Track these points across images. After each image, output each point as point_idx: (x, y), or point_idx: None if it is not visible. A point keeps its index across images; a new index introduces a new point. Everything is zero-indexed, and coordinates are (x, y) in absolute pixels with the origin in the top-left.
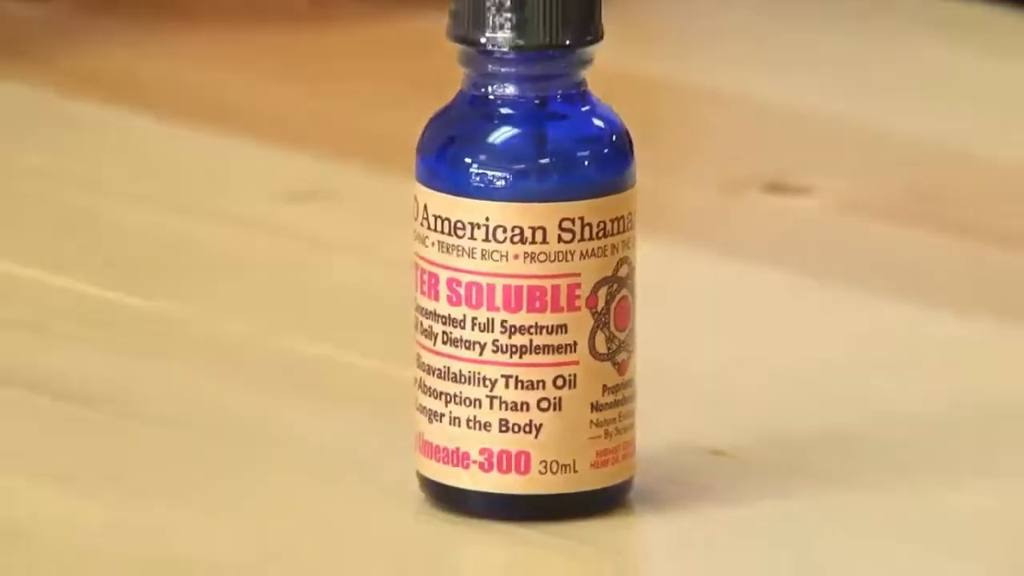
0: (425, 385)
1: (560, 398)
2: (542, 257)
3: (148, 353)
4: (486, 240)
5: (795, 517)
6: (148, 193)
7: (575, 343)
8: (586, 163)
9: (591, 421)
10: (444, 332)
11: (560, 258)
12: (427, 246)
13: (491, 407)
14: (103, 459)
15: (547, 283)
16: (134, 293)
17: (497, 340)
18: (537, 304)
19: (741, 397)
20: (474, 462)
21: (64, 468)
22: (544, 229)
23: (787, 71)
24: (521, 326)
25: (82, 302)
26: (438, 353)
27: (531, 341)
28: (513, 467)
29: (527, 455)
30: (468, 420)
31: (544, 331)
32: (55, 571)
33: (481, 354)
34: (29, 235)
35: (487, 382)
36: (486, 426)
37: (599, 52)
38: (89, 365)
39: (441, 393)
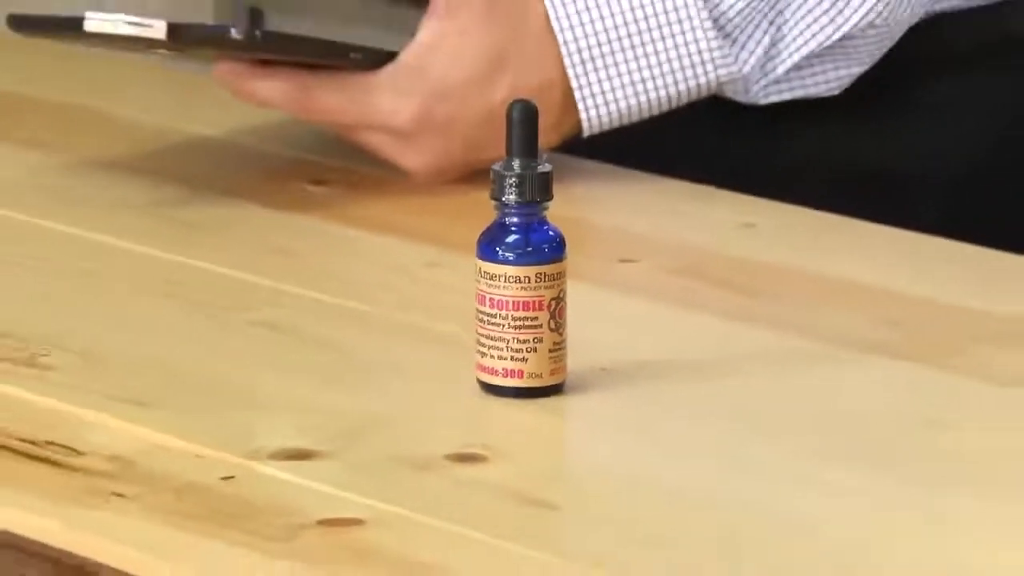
0: (479, 342)
1: (535, 347)
2: (528, 289)
3: (351, 328)
4: (504, 281)
5: (652, 402)
6: (362, 260)
7: (542, 324)
8: (546, 249)
9: (548, 356)
10: (487, 319)
11: (536, 289)
12: (480, 283)
13: (506, 351)
14: (330, 369)
15: (530, 299)
16: (351, 300)
17: (509, 323)
18: (526, 308)
19: (615, 346)
20: (499, 373)
21: (312, 374)
22: (529, 277)
23: (633, 218)
24: (519, 316)
25: (318, 305)
26: (483, 326)
27: (523, 323)
28: (516, 376)
29: (521, 371)
30: (496, 356)
31: (528, 319)
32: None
33: (502, 329)
34: (304, 279)
35: (504, 340)
36: (504, 359)
37: (553, 205)
38: (322, 329)
39: (486, 345)
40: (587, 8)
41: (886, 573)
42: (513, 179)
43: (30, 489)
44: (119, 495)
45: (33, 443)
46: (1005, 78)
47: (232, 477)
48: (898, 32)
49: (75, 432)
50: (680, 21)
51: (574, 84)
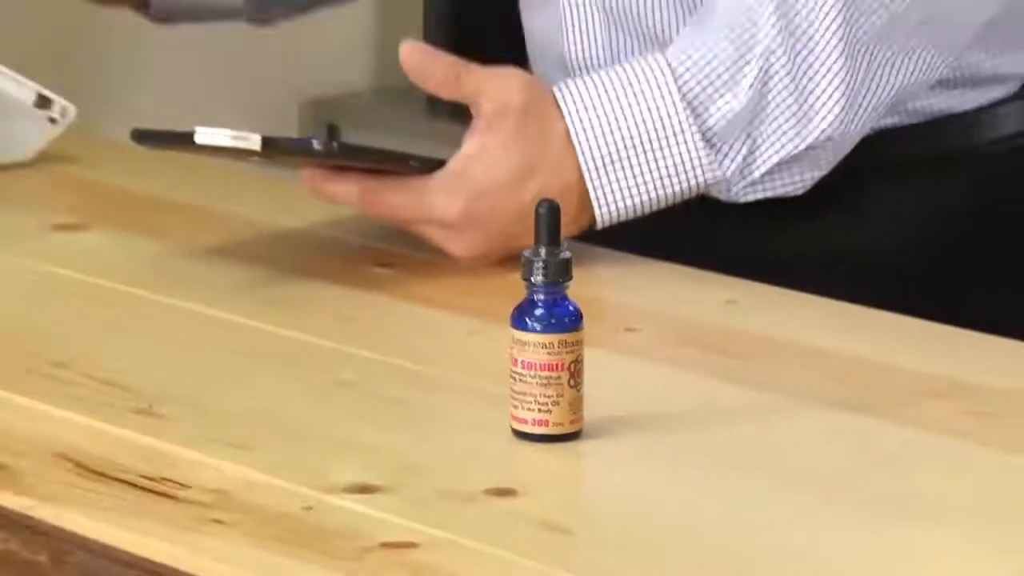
0: (512, 396)
1: (558, 401)
2: (552, 353)
3: (409, 385)
4: (532, 347)
5: (655, 445)
6: (419, 329)
7: (563, 382)
8: (567, 321)
9: (569, 408)
10: (518, 377)
11: (559, 353)
12: (513, 348)
13: (534, 404)
14: (392, 418)
15: (554, 361)
16: (409, 362)
17: (537, 381)
18: (551, 369)
19: (623, 399)
20: (528, 422)
21: (377, 422)
22: (553, 343)
23: (636, 295)
24: (545, 376)
25: (383, 366)
26: (515, 384)
27: (548, 381)
28: (542, 424)
29: (547, 420)
30: (526, 408)
31: (553, 378)
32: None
33: (531, 386)
34: (372, 345)
35: (533, 395)
36: (532, 410)
37: (572, 284)
38: (385, 386)
39: (518, 399)
40: (600, 125)
41: None
42: (540, 264)
43: (147, 517)
44: (219, 522)
45: (150, 479)
46: (937, 184)
47: (311, 507)
48: (851, 143)
49: (183, 469)
50: (675, 135)
51: (589, 187)
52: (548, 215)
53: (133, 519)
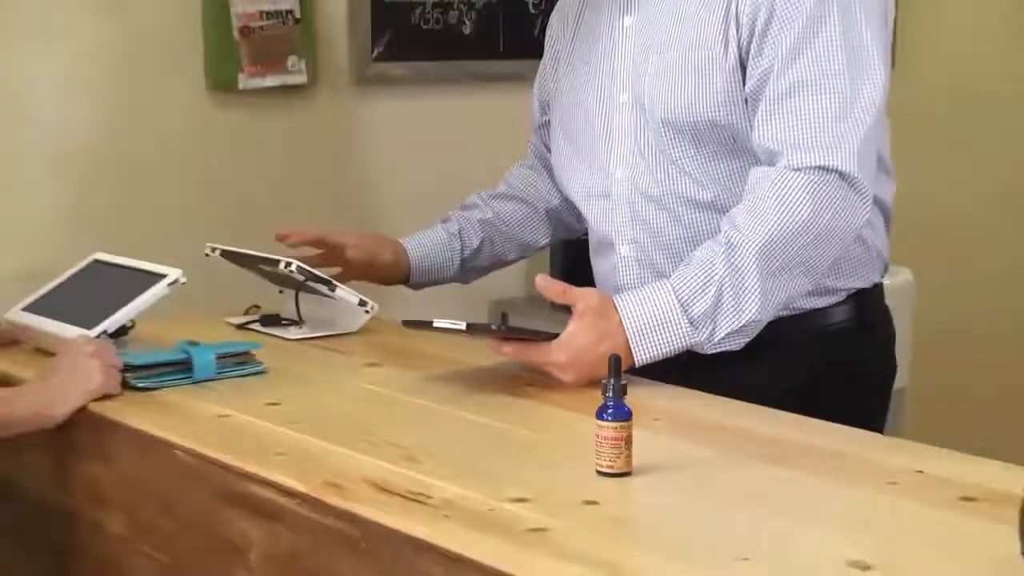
0: (596, 453)
1: (619, 456)
2: (616, 431)
3: (551, 448)
4: (606, 429)
5: (677, 476)
6: (548, 417)
7: (622, 447)
8: (624, 415)
9: (624, 459)
10: (598, 444)
11: (619, 431)
12: (596, 429)
13: (607, 457)
14: (537, 463)
15: (617, 436)
16: (545, 435)
17: (608, 446)
18: (615, 441)
19: (653, 456)
20: (603, 467)
21: (532, 457)
22: (616, 427)
23: (659, 401)
24: (612, 444)
25: (543, 428)
26: (598, 447)
27: (614, 445)
28: (610, 467)
29: (613, 466)
30: (602, 459)
31: (616, 445)
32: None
33: (605, 449)
34: (528, 425)
35: (606, 453)
36: (605, 460)
37: (627, 397)
38: (540, 436)
39: (598, 454)
40: (637, 317)
41: None
42: (610, 387)
43: (409, 513)
44: (447, 516)
45: (412, 492)
46: (803, 347)
47: (493, 509)
48: (763, 324)
49: (429, 488)
50: (674, 321)
51: (632, 347)
52: (615, 362)
53: (401, 514)
